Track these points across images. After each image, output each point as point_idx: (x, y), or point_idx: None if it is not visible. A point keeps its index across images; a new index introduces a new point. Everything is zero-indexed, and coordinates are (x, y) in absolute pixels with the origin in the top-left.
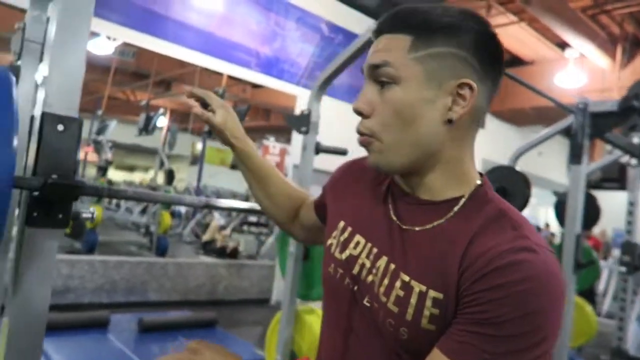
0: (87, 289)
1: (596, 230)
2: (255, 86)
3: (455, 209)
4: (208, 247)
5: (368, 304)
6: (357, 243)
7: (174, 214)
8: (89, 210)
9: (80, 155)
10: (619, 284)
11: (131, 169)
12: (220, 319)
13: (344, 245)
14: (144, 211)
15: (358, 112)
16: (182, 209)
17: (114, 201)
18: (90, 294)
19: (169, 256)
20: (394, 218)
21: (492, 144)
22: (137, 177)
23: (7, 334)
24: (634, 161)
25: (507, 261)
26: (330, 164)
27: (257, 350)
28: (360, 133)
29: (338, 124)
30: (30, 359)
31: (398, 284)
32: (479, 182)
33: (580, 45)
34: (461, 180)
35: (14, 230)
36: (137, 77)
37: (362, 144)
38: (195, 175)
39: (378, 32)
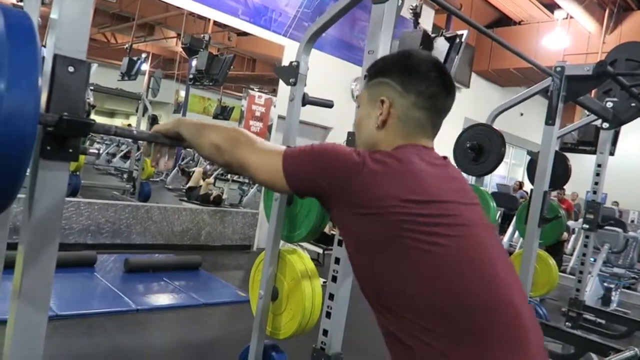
0: (73, 229)
1: (568, 192)
2: (241, 34)
3: None
4: (191, 194)
5: None
6: None
7: None
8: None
9: None
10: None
11: (111, 114)
12: (204, 263)
13: None
14: (125, 157)
15: None
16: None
17: (95, 146)
18: (76, 234)
19: (152, 202)
20: None
21: (475, 104)
22: (117, 122)
23: (23, 251)
24: (605, 124)
25: None
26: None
27: (239, 292)
28: None
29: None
30: (45, 273)
31: None
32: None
33: (568, 7)
34: None
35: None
36: (119, 19)
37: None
38: None
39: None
